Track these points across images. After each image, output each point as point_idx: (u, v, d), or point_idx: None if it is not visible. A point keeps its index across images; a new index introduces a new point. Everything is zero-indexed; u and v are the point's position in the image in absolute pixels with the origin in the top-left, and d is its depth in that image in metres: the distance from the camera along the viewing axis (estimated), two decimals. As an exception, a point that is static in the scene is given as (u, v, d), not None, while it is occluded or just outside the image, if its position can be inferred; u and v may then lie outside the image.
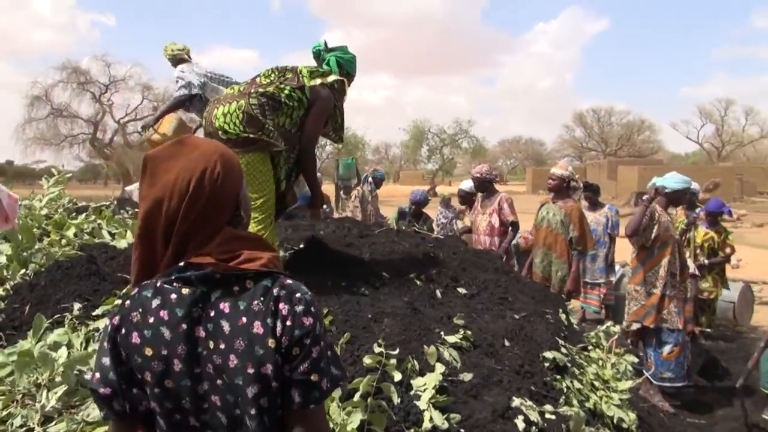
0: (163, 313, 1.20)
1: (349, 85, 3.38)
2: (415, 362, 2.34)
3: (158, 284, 1.23)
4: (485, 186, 5.84)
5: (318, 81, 3.10)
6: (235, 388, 1.18)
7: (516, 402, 2.30)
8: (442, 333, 2.61)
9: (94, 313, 2.43)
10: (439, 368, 2.35)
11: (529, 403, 2.34)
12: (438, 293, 3.16)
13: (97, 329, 2.32)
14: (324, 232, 4.15)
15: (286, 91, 3.02)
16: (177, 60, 5.46)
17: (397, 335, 2.50)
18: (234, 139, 2.93)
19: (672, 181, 4.88)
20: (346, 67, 3.29)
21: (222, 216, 1.27)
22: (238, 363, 1.17)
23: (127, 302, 1.25)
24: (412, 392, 2.22)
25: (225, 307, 1.20)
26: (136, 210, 4.86)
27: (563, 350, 2.87)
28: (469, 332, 2.67)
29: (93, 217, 3.89)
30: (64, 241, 3.26)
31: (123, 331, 1.22)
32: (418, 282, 3.22)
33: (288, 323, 1.19)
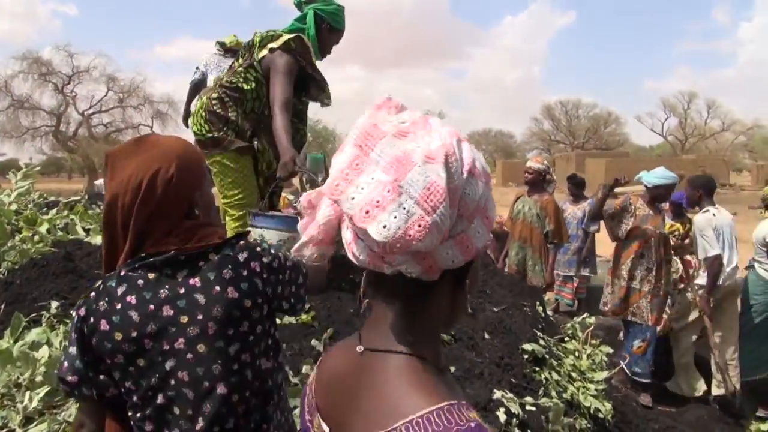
0: (130, 298, 1.26)
1: (336, 42, 3.12)
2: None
3: (122, 273, 1.29)
4: None
5: (264, 52, 2.87)
6: (212, 354, 1.26)
7: (497, 394, 2.33)
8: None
9: (72, 311, 2.39)
10: (422, 362, 2.37)
11: (510, 395, 2.37)
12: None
13: (76, 328, 2.28)
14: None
15: (243, 74, 2.90)
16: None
17: (379, 329, 2.51)
18: (202, 140, 2.92)
19: (655, 176, 4.83)
20: (328, 20, 3.00)
21: (176, 214, 1.32)
22: (218, 328, 1.26)
23: (92, 294, 1.30)
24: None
25: (196, 282, 1.28)
26: (108, 205, 4.82)
27: (541, 342, 2.93)
28: (450, 326, 2.70)
29: (65, 212, 3.80)
30: (36, 238, 3.19)
31: (91, 320, 1.27)
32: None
33: (265, 275, 1.34)
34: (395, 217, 0.71)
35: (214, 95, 2.89)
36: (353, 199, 0.73)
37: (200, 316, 1.26)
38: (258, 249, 1.37)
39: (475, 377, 2.44)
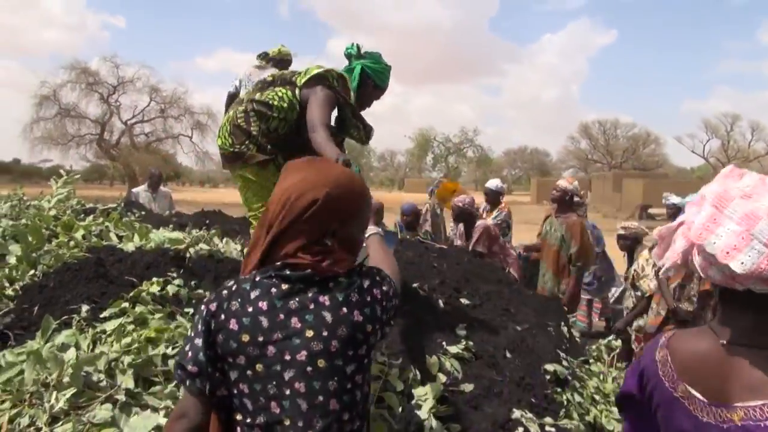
0: (262, 304, 1.35)
1: (377, 98, 3.11)
2: (417, 372, 2.36)
3: (257, 278, 1.39)
4: (464, 217, 5.90)
5: (305, 78, 2.86)
6: (330, 371, 1.33)
7: (516, 414, 2.31)
8: (444, 343, 2.64)
9: (101, 315, 2.46)
10: (441, 378, 2.37)
11: (530, 415, 2.35)
12: (440, 303, 3.18)
13: (104, 331, 2.35)
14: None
15: (278, 93, 2.89)
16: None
17: (398, 344, 2.52)
18: (225, 154, 2.95)
19: None
20: (374, 78, 3.00)
21: (309, 236, 1.41)
22: (340, 347, 1.34)
23: (224, 291, 1.40)
24: (413, 402, 2.24)
25: (325, 300, 1.36)
26: (143, 212, 4.93)
27: (564, 363, 2.89)
28: (471, 343, 2.69)
29: (101, 219, 3.92)
30: (72, 243, 3.29)
31: (221, 317, 1.36)
32: (420, 292, 3.24)
33: (384, 303, 1.44)
34: (749, 256, 1.10)
35: (241, 109, 2.91)
36: (715, 243, 1.15)
37: (325, 333, 1.34)
38: (377, 277, 1.47)
39: (495, 395, 2.43)
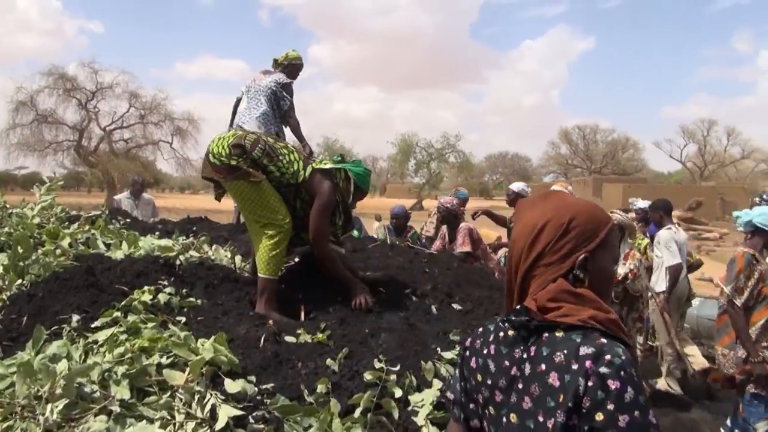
0: (493, 348, 1.34)
1: (359, 199, 3.35)
2: (413, 378, 2.36)
3: (498, 321, 1.38)
4: (450, 219, 5.93)
5: (318, 165, 3.15)
6: (521, 428, 1.25)
7: (512, 419, 2.32)
8: (438, 349, 2.64)
9: (92, 325, 2.42)
10: (437, 384, 2.37)
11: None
12: (433, 309, 3.19)
13: (95, 341, 2.31)
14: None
15: (292, 158, 3.11)
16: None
17: (394, 351, 2.52)
18: (218, 165, 2.99)
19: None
20: (357, 181, 3.24)
21: (559, 266, 1.31)
22: (531, 407, 1.23)
23: (479, 328, 1.44)
24: (409, 408, 2.24)
25: (532, 351, 1.26)
26: (128, 220, 4.87)
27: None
28: (465, 349, 2.69)
29: (87, 226, 3.86)
30: (58, 251, 3.24)
31: (466, 353, 1.42)
32: (413, 297, 3.24)
33: (590, 383, 1.14)
34: None
35: (251, 137, 3.05)
36: None
37: (520, 386, 1.26)
38: (606, 356, 1.16)
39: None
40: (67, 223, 4.08)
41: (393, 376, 2.27)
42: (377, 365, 2.30)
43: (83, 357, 2.24)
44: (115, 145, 37.36)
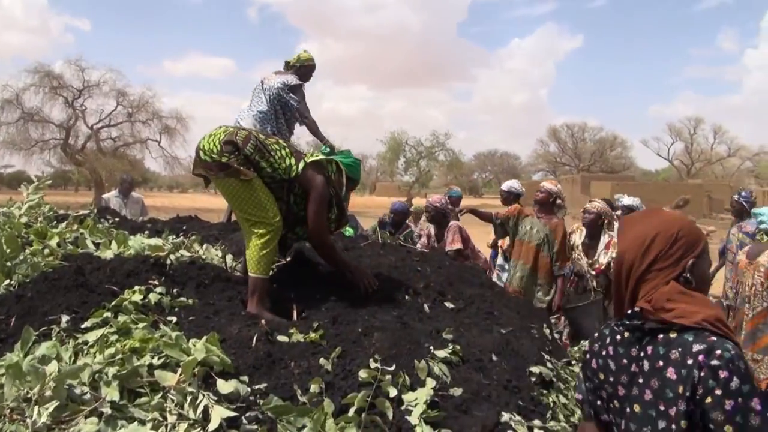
0: (611, 349, 1.57)
1: (351, 190, 3.40)
2: (406, 377, 2.35)
3: (612, 325, 1.61)
4: (438, 218, 5.93)
5: (310, 159, 3.14)
6: (648, 419, 1.45)
7: (505, 417, 2.32)
8: (431, 347, 2.63)
9: (82, 326, 2.39)
10: (430, 383, 2.36)
11: (518, 418, 2.36)
12: (426, 307, 3.18)
13: (86, 342, 2.28)
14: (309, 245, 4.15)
15: (283, 153, 3.09)
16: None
17: (387, 350, 2.51)
18: (209, 162, 2.96)
19: None
20: (348, 171, 3.27)
21: (670, 271, 1.52)
22: (652, 398, 1.44)
23: (596, 334, 1.67)
24: (403, 407, 2.23)
25: (649, 350, 1.48)
26: (117, 219, 4.82)
27: (549, 365, 2.91)
28: (458, 347, 2.69)
29: (75, 226, 3.81)
30: (46, 251, 3.20)
31: (587, 356, 1.65)
32: (406, 296, 3.23)
33: (703, 374, 1.36)
34: None
35: (243, 133, 3.03)
36: None
37: (641, 380, 1.48)
38: (716, 351, 1.37)
39: (483, 399, 2.43)
40: (55, 222, 4.03)
41: (388, 376, 2.26)
42: (372, 365, 2.29)
43: (73, 358, 2.21)
44: (103, 143, 36.96)
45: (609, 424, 1.60)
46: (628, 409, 1.50)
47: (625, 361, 1.52)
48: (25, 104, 33.69)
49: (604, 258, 5.16)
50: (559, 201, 5.33)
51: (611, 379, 1.55)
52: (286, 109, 5.23)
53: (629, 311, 1.54)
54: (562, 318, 5.44)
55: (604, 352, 1.58)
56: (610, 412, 1.58)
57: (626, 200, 6.75)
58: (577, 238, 5.41)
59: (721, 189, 38.74)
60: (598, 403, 1.61)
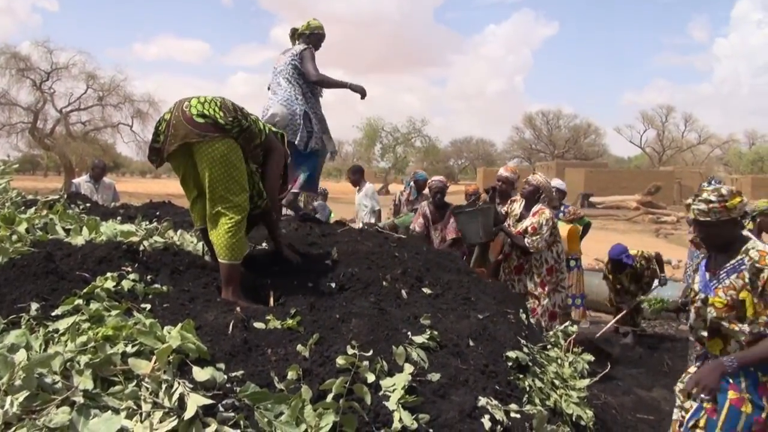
0: None
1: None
2: (384, 363, 2.35)
3: None
4: (442, 200, 5.98)
5: (270, 127, 3.35)
6: None
7: (482, 401, 2.34)
8: (409, 333, 2.64)
9: (53, 314, 2.33)
10: (408, 369, 2.37)
11: (495, 402, 2.38)
12: (404, 293, 3.18)
13: (56, 330, 2.23)
14: (286, 231, 4.12)
15: (260, 125, 3.21)
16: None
17: (365, 336, 2.51)
18: (201, 123, 2.84)
19: None
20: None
21: None
22: None
23: None
24: (381, 393, 2.23)
25: None
26: (88, 204, 4.72)
27: (525, 349, 2.94)
28: (436, 332, 2.70)
29: (44, 211, 3.72)
30: (15, 237, 3.12)
31: None
32: (383, 282, 3.23)
33: None
34: None
35: (231, 102, 3.07)
36: None
37: None
38: None
39: (461, 384, 2.45)
40: (23, 207, 3.93)
41: (365, 362, 2.26)
42: (350, 351, 2.28)
43: (43, 347, 2.16)
44: (73, 127, 36.14)
45: None
46: None
47: None
48: (-9, 87, 32.73)
49: (527, 221, 5.17)
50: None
51: None
52: (306, 77, 5.00)
53: None
54: None
55: None
56: None
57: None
58: (517, 207, 5.43)
59: (691, 176, 39.46)
60: None
